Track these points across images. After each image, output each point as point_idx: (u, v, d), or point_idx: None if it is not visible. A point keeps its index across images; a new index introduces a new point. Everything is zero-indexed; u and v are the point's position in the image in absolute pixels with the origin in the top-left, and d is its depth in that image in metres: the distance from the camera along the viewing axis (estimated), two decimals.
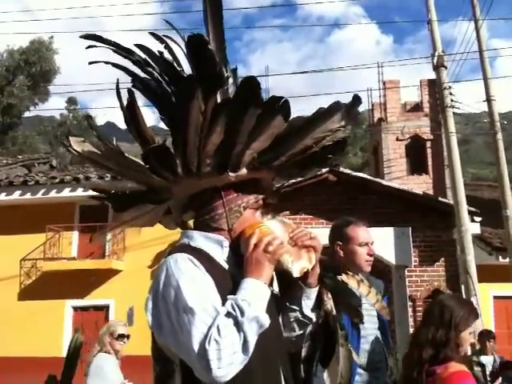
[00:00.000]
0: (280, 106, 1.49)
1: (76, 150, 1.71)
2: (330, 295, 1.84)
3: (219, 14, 1.66)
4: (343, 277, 2.09)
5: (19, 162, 16.57)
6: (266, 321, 1.40)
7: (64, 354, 11.53)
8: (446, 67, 10.81)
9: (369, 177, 11.90)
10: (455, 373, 2.30)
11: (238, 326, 1.35)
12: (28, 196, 13.07)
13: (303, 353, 1.78)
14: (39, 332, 12.33)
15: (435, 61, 10.70)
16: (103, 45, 1.60)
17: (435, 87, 11.61)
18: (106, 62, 1.63)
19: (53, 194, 12.98)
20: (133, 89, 1.59)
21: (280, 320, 1.68)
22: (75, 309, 12.93)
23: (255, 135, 1.54)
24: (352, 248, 2.76)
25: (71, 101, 34.83)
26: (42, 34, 29.94)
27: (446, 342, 2.34)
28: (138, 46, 1.60)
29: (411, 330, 10.73)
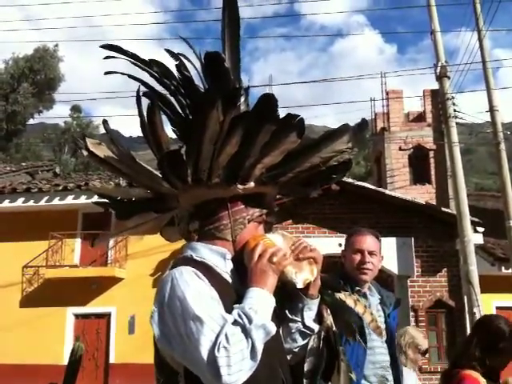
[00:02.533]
0: (295, 123, 1.54)
1: (91, 151, 1.73)
2: (329, 311, 1.86)
3: (237, 34, 1.71)
4: (341, 295, 2.11)
5: (23, 169, 16.64)
6: (273, 328, 1.42)
7: (65, 361, 11.56)
8: (448, 77, 10.85)
9: (372, 186, 11.91)
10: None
11: (246, 333, 1.36)
12: (31, 203, 13.10)
13: (306, 367, 1.79)
14: (41, 339, 12.32)
15: (438, 71, 10.74)
16: (122, 56, 1.64)
17: (438, 97, 11.64)
18: (123, 73, 1.67)
19: (56, 201, 13.02)
20: (151, 97, 1.61)
21: (280, 332, 1.69)
22: (77, 316, 12.92)
23: (268, 150, 1.58)
24: (347, 255, 2.79)
25: (75, 108, 34.98)
26: (47, 42, 30.16)
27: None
28: (155, 61, 1.64)
29: None
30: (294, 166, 1.65)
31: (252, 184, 1.64)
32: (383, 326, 2.69)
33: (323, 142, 1.65)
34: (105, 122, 1.86)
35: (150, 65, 1.64)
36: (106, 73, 1.76)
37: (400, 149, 15.60)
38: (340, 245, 6.90)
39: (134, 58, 1.64)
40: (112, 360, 12.46)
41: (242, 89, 1.69)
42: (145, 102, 1.60)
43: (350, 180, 11.45)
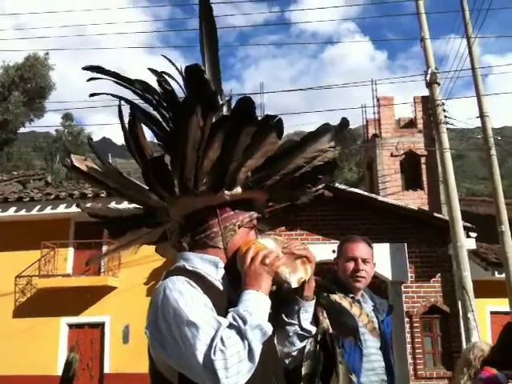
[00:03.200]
0: (273, 124, 1.56)
1: (77, 168, 1.75)
2: (325, 314, 1.87)
3: (215, 48, 1.75)
4: (336, 297, 2.12)
5: (14, 178, 16.56)
6: (269, 328, 1.43)
7: (59, 372, 11.48)
8: (439, 84, 10.94)
9: (364, 192, 11.95)
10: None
11: (242, 334, 1.37)
12: (23, 212, 13.04)
13: (303, 371, 1.80)
14: (34, 350, 12.23)
15: (428, 78, 10.83)
16: (104, 76, 1.67)
17: (429, 103, 11.72)
18: (107, 94, 1.73)
19: (48, 210, 12.97)
20: (134, 107, 1.66)
21: (275, 339, 1.69)
22: (70, 326, 12.83)
23: (250, 153, 1.60)
24: (340, 263, 2.79)
25: (67, 116, 34.92)
26: (38, 50, 30.10)
27: None
28: (137, 79, 1.68)
29: (408, 347, 10.74)
30: (279, 168, 1.66)
31: (239, 189, 1.65)
32: (377, 332, 2.71)
33: (306, 142, 1.66)
34: (89, 139, 1.89)
35: (133, 82, 1.67)
36: (91, 95, 1.80)
37: (392, 155, 15.67)
38: (334, 251, 6.89)
39: (116, 77, 1.68)
40: (107, 370, 12.38)
41: (221, 95, 1.72)
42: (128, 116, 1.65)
43: (342, 186, 11.50)
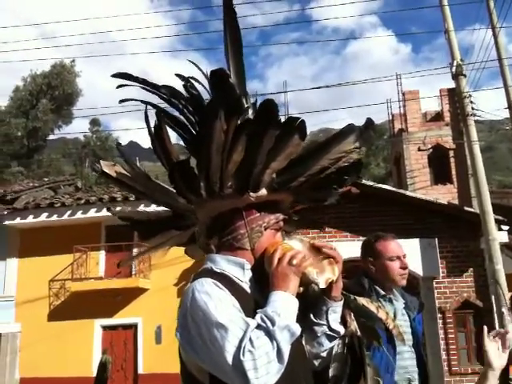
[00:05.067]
0: (296, 125, 1.57)
1: (106, 173, 1.80)
2: (353, 317, 1.87)
3: (239, 51, 1.77)
4: (363, 301, 2.11)
5: (45, 185, 16.88)
6: (298, 329, 1.43)
7: (93, 373, 11.68)
8: (465, 75, 10.76)
9: (392, 188, 11.82)
10: None
11: (270, 335, 1.38)
12: (55, 218, 13.30)
13: (330, 373, 1.80)
14: (69, 352, 12.46)
15: (454, 70, 10.66)
16: (132, 83, 1.71)
17: (455, 96, 11.54)
18: (135, 100, 1.75)
19: (79, 214, 13.20)
20: (160, 112, 1.69)
21: (303, 340, 1.69)
22: (104, 328, 13.05)
23: (274, 155, 1.61)
24: (383, 263, 2.73)
25: (94, 122, 35.46)
26: (64, 58, 30.62)
27: None
28: (163, 85, 1.71)
29: (442, 343, 10.59)
30: (304, 169, 1.66)
31: (264, 191, 1.66)
32: (409, 330, 2.69)
33: (330, 143, 1.66)
34: (118, 144, 1.94)
35: (159, 88, 1.70)
36: (121, 101, 1.84)
37: (419, 149, 15.48)
38: None
39: (143, 83, 1.71)
40: (140, 370, 12.55)
41: (247, 97, 1.73)
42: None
43: (369, 182, 11.39)
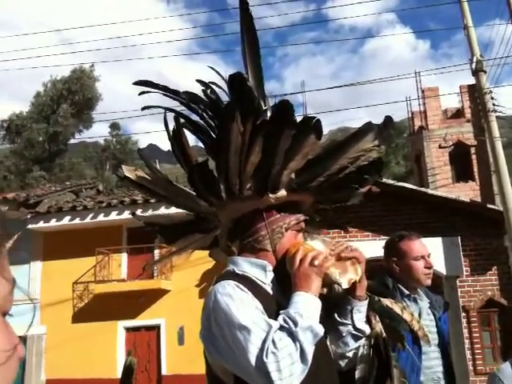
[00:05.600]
0: (312, 125, 1.57)
1: (128, 178, 1.83)
2: (378, 318, 1.87)
3: (257, 54, 1.77)
4: (387, 302, 2.10)
5: (67, 188, 17.08)
6: (321, 330, 1.44)
7: (118, 375, 11.78)
8: (485, 71, 10.63)
9: (413, 186, 11.73)
10: None
11: (293, 336, 1.39)
12: (77, 221, 13.45)
13: (357, 374, 1.80)
14: (93, 353, 12.59)
15: (474, 66, 10.54)
16: (154, 90, 1.75)
17: (476, 92, 11.40)
18: (156, 107, 1.79)
19: (101, 217, 13.33)
20: (178, 117, 1.73)
21: (328, 341, 1.70)
22: (127, 329, 13.16)
23: (291, 155, 1.61)
24: (407, 263, 2.71)
25: (114, 126, 35.81)
26: (83, 63, 30.98)
27: None
28: (184, 91, 1.74)
29: (466, 342, 10.46)
30: (323, 169, 1.66)
31: (283, 192, 1.66)
32: (434, 329, 2.67)
33: (349, 142, 1.66)
34: (139, 150, 1.96)
35: (179, 93, 1.73)
36: (143, 108, 1.87)
37: (440, 146, 15.33)
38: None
39: (164, 89, 1.74)
40: (164, 372, 12.62)
41: (265, 100, 1.73)
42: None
43: (390, 181, 11.32)
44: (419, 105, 16.30)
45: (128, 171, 1.83)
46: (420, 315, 2.67)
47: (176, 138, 1.70)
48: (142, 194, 12.83)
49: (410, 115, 17.11)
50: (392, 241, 2.84)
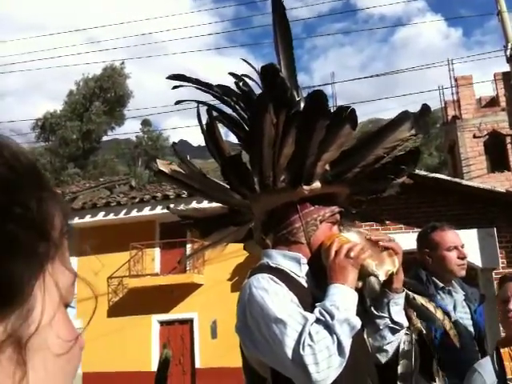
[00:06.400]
0: (347, 115, 1.55)
1: (162, 172, 1.83)
2: (416, 315, 1.84)
3: (289, 45, 1.76)
4: (421, 300, 2.07)
5: (101, 185, 17.40)
6: (358, 322, 1.42)
7: (152, 368, 11.97)
8: None
9: (447, 177, 11.51)
10: None
11: (330, 329, 1.37)
12: (111, 216, 13.69)
13: (399, 370, 1.78)
14: (128, 347, 12.82)
15: (508, 53, 10.26)
16: (186, 83, 1.76)
17: (510, 80, 11.11)
18: (190, 100, 1.79)
19: (134, 213, 13.54)
20: (211, 110, 1.72)
21: (364, 333, 1.68)
22: (161, 323, 13.35)
23: (325, 146, 1.59)
24: (440, 254, 2.67)
25: (145, 122, 36.25)
26: (114, 61, 31.36)
27: None
28: (216, 84, 1.74)
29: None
30: (358, 160, 1.64)
31: (318, 184, 1.64)
32: (470, 322, 2.62)
33: (384, 132, 1.64)
34: (174, 144, 1.97)
35: (212, 87, 1.72)
36: (177, 102, 1.89)
37: (474, 136, 15.00)
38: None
39: (196, 83, 1.75)
40: (198, 365, 12.78)
41: (298, 91, 1.71)
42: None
43: (423, 172, 11.14)
44: (452, 94, 15.99)
45: (162, 165, 1.84)
46: (455, 308, 2.62)
47: (209, 131, 1.70)
48: (175, 189, 12.99)
49: (443, 105, 16.79)
50: (424, 232, 2.80)
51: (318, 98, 1.52)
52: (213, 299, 12.40)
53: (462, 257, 2.66)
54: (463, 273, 2.67)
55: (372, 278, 1.64)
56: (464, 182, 11.19)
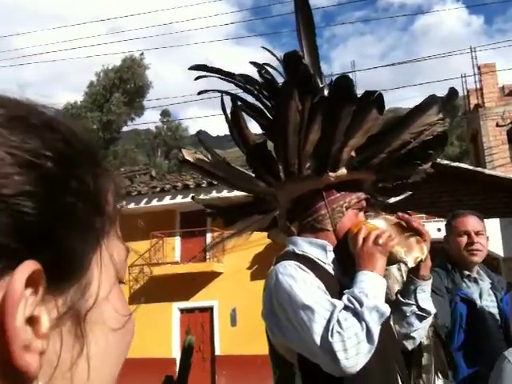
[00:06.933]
0: (374, 99, 1.54)
1: (188, 161, 1.85)
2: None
3: (312, 32, 1.75)
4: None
5: (122, 175, 17.53)
6: (387, 309, 1.42)
7: (173, 354, 12.09)
8: None
9: (469, 167, 11.39)
10: None
11: (358, 316, 1.37)
12: (132, 206, 13.81)
13: (423, 361, 1.79)
14: (150, 334, 12.96)
15: None
16: (209, 73, 1.75)
17: None
18: (213, 90, 1.80)
19: (154, 202, 13.64)
20: (236, 99, 1.72)
21: (391, 320, 1.68)
22: (181, 311, 13.48)
23: (352, 132, 1.58)
24: (452, 239, 2.69)
25: (164, 113, 36.38)
26: (133, 51, 31.49)
27: None
28: (238, 74, 1.73)
29: None
30: (384, 145, 1.62)
31: (344, 170, 1.63)
32: (496, 310, 2.61)
33: (411, 116, 1.62)
34: (198, 133, 1.99)
35: (234, 76, 1.72)
36: (199, 92, 1.88)
37: (497, 125, 14.76)
38: (439, 230, 6.68)
39: (219, 72, 1.74)
40: (218, 352, 12.88)
41: (322, 77, 1.70)
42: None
43: (445, 161, 11.02)
44: (475, 82, 15.73)
45: (188, 154, 1.86)
46: (481, 296, 2.62)
47: (234, 120, 1.70)
48: (195, 179, 13.05)
49: (466, 93, 16.54)
50: (447, 219, 2.81)
51: (344, 83, 1.51)
52: (232, 287, 12.47)
53: (471, 242, 2.63)
54: (475, 259, 2.65)
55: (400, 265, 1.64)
56: (487, 172, 11.06)
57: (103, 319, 0.40)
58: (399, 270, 2.05)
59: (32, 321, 0.34)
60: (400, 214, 1.65)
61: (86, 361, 0.38)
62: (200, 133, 2.24)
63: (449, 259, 2.70)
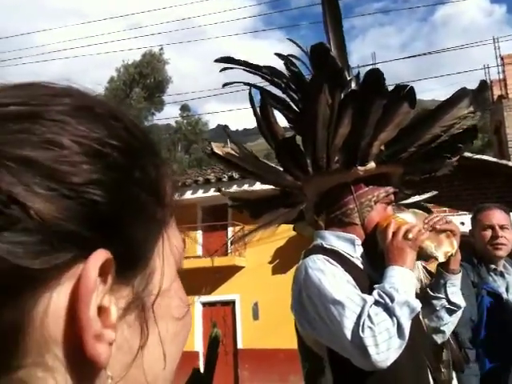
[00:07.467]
0: (405, 93, 1.53)
1: (217, 154, 1.86)
2: None
3: (339, 24, 1.75)
4: None
5: None
6: (418, 305, 1.42)
7: (196, 348, 12.17)
8: None
9: (493, 159, 11.21)
10: None
11: (389, 311, 1.37)
12: None
13: (444, 357, 1.79)
14: None
15: None
16: (234, 65, 1.75)
17: None
18: (238, 82, 1.80)
19: (176, 196, 13.72)
20: (265, 93, 1.72)
21: (420, 315, 1.67)
22: (204, 304, 13.57)
23: (382, 126, 1.57)
24: (477, 233, 2.69)
25: (184, 108, 36.48)
26: (152, 46, 31.63)
27: None
28: (264, 66, 1.73)
29: None
30: (414, 139, 1.61)
31: (372, 164, 1.62)
32: None
33: (442, 110, 1.61)
34: (225, 127, 1.99)
35: (260, 68, 1.71)
36: (224, 85, 1.88)
37: None
38: (462, 223, 6.60)
39: (245, 65, 1.73)
40: (240, 345, 12.94)
41: (349, 70, 1.69)
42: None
43: (467, 154, 10.88)
44: (498, 73, 15.49)
45: (217, 148, 1.86)
46: (507, 289, 2.61)
47: (263, 114, 1.70)
48: (216, 173, 13.08)
49: (489, 84, 16.27)
50: (473, 213, 2.80)
51: (375, 76, 1.50)
52: (254, 281, 12.50)
53: (495, 236, 2.62)
54: (499, 253, 2.63)
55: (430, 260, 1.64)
56: (511, 164, 10.88)
57: (167, 308, 0.40)
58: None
59: (101, 310, 0.34)
60: (426, 218, 1.64)
61: (154, 350, 0.39)
62: (226, 127, 2.26)
63: (474, 253, 2.70)
